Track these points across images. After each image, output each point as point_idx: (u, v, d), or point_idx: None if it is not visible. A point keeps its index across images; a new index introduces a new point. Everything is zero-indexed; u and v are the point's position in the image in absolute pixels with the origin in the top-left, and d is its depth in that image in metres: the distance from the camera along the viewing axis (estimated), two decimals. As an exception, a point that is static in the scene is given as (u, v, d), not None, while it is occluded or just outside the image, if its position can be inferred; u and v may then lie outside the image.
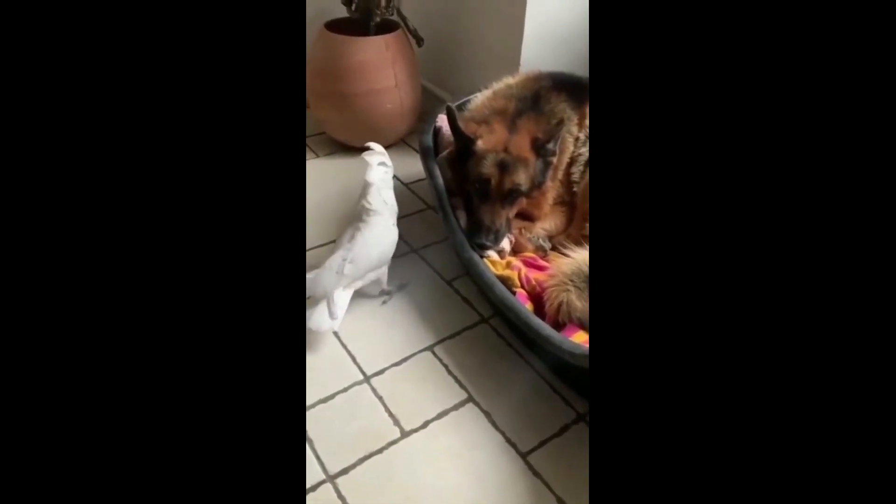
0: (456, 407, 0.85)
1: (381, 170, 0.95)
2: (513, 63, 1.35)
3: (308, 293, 0.90)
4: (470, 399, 0.87)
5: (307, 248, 1.14)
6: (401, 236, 1.00)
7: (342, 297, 0.90)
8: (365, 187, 0.94)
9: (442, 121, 1.19)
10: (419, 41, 1.43)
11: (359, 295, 1.04)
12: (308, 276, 0.90)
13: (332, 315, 0.88)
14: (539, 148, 1.01)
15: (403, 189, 1.37)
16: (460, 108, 1.21)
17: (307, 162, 1.45)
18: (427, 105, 1.53)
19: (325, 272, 0.90)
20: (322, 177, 1.39)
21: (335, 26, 1.38)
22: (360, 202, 0.94)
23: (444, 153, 1.14)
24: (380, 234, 0.95)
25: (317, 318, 0.87)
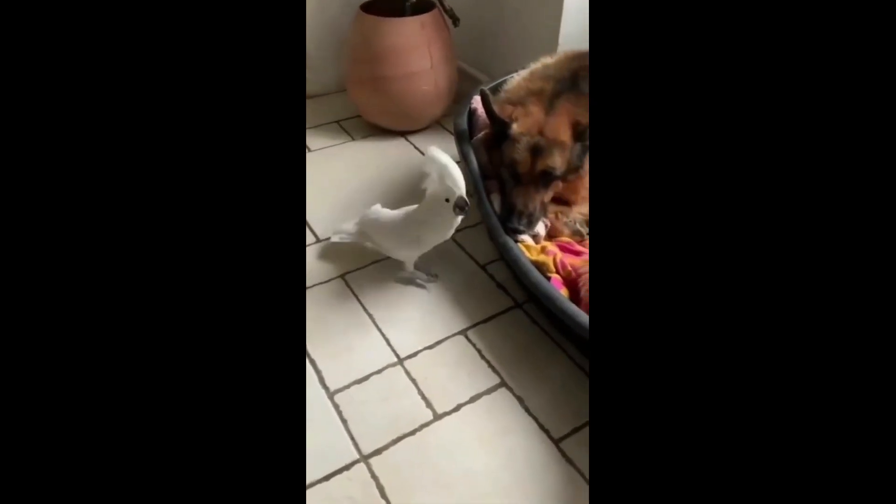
0: (489, 391, 0.85)
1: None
2: (551, 42, 1.31)
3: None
4: (503, 384, 0.86)
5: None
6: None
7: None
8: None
9: (477, 103, 1.17)
10: (455, 21, 1.40)
11: (391, 280, 1.05)
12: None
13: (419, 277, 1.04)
14: (581, 133, 0.98)
15: (438, 172, 1.36)
16: (496, 89, 1.19)
17: (343, 145, 1.46)
18: (463, 86, 1.52)
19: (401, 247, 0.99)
20: (358, 160, 1.39)
21: (371, 8, 1.37)
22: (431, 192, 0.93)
23: (480, 136, 1.13)
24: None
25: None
